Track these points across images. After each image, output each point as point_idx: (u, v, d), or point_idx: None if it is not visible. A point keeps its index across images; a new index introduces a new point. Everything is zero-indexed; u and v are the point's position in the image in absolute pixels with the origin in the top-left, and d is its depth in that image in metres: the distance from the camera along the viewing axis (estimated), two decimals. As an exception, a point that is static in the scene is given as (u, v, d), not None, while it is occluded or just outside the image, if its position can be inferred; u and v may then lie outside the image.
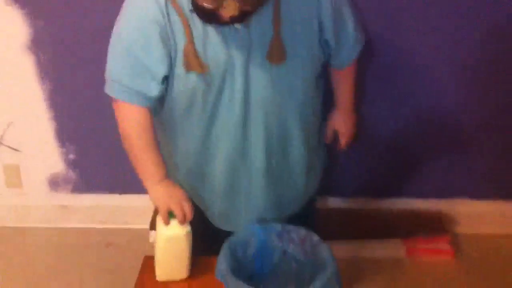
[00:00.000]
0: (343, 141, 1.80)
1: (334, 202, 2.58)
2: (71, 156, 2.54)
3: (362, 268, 2.45)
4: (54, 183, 2.62)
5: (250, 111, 1.48)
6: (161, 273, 1.57)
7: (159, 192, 1.54)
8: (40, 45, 2.29)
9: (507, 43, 2.24)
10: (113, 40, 1.46)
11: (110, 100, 1.54)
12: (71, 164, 2.56)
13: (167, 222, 1.50)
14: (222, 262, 1.36)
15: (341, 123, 1.79)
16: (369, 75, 2.23)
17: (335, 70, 1.73)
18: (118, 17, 1.45)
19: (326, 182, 1.79)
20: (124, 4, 1.45)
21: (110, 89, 1.50)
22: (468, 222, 2.68)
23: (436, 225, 2.62)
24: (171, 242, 1.52)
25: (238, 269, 1.37)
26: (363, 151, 2.34)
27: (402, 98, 2.39)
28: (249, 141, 1.53)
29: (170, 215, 1.51)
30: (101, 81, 1.55)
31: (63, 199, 2.65)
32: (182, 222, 1.50)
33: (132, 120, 1.52)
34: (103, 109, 2.32)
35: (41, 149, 2.52)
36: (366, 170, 2.57)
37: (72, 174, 2.59)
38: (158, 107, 1.55)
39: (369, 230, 2.58)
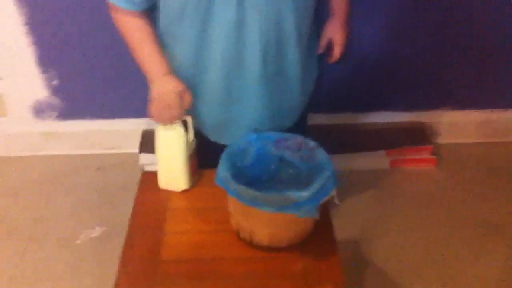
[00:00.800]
0: (336, 51, 1.80)
1: (319, 118, 2.63)
2: (55, 82, 2.51)
3: (348, 180, 2.51)
4: (39, 110, 2.60)
5: (245, 13, 1.46)
6: (163, 179, 1.61)
7: (166, 85, 1.53)
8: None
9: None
10: None
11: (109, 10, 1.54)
12: (55, 90, 2.54)
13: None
14: (222, 170, 1.39)
15: (336, 32, 1.78)
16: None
17: None
18: None
19: (316, 93, 1.81)
20: None
21: None
22: (449, 132, 2.76)
23: (419, 137, 2.69)
24: (170, 142, 1.54)
25: (238, 177, 1.41)
26: (346, 66, 2.36)
27: (386, 13, 2.40)
28: (245, 46, 1.51)
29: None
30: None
31: (49, 126, 2.65)
32: (187, 106, 1.53)
33: (128, 24, 1.52)
34: (86, 32, 2.35)
35: (23, 76, 2.48)
36: (350, 85, 2.60)
37: (56, 101, 2.57)
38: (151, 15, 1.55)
39: (355, 144, 2.64)
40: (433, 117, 2.73)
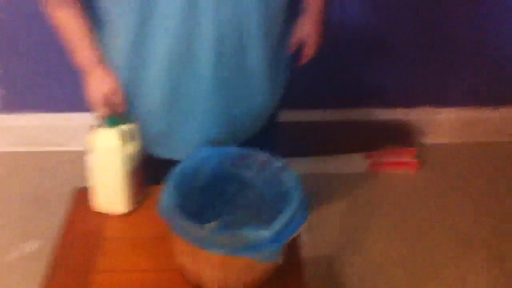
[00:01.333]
0: (307, 53, 1.54)
1: (295, 115, 2.36)
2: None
3: (324, 184, 2.30)
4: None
5: (197, 1, 1.18)
6: (98, 200, 1.33)
7: (96, 79, 1.34)
8: None
9: None
10: None
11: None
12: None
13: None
14: (165, 198, 1.12)
15: (308, 31, 1.51)
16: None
17: None
18: None
19: (286, 92, 1.54)
20: None
21: None
22: (433, 132, 2.53)
23: (401, 137, 2.46)
24: (106, 154, 1.27)
25: (186, 205, 1.13)
26: (326, 57, 2.11)
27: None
28: (195, 40, 1.23)
29: (110, 121, 1.27)
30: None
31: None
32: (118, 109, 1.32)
33: (60, 11, 1.30)
34: (31, 17, 2.09)
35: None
36: (329, 79, 2.36)
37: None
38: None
39: (333, 143, 2.42)
40: (417, 116, 2.48)
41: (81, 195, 1.38)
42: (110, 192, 1.31)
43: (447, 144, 2.54)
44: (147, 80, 1.31)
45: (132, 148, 1.30)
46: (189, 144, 1.37)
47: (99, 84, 1.33)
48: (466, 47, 2.33)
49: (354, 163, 2.37)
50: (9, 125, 2.39)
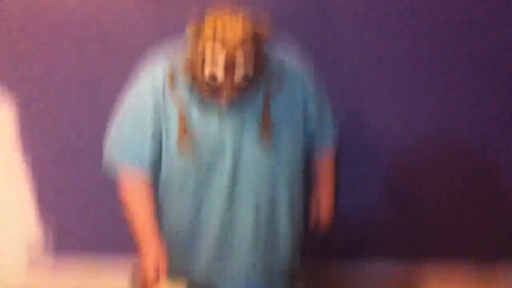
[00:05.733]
0: (323, 215, 1.86)
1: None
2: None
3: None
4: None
5: (238, 191, 1.59)
6: None
7: (150, 254, 1.60)
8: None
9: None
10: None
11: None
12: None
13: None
14: None
15: (322, 197, 1.85)
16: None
17: (317, 161, 1.83)
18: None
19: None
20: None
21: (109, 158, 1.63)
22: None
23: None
24: None
25: None
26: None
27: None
28: (237, 218, 1.63)
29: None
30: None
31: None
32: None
33: (131, 188, 1.62)
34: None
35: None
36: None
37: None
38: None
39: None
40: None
41: None
42: None
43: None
44: (199, 247, 1.68)
45: None
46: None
47: (154, 259, 1.59)
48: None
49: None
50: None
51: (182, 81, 1.53)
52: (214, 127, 1.55)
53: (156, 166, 1.61)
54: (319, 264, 2.62)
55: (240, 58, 1.38)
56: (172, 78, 1.54)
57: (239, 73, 1.39)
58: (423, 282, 2.66)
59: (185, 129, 1.53)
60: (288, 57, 1.65)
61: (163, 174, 1.62)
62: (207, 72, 1.39)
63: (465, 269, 2.65)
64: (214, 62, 1.38)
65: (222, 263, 1.70)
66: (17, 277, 2.57)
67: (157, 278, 1.56)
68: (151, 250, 1.59)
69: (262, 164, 1.58)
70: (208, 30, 1.38)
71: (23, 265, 2.57)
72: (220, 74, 1.39)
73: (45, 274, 2.61)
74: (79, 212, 2.52)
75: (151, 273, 1.56)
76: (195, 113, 1.54)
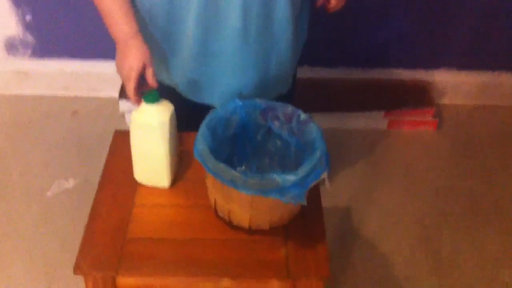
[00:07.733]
0: (333, 5, 1.58)
1: (316, 72, 2.43)
2: (28, 17, 2.30)
3: (343, 139, 2.37)
4: (12, 47, 2.40)
5: None
6: (139, 173, 1.37)
7: (130, 51, 1.30)
8: None
9: None
10: None
11: None
12: (29, 26, 2.33)
13: (134, 99, 1.29)
14: (200, 143, 1.22)
15: None
16: None
17: None
18: None
19: (306, 49, 1.61)
20: None
21: None
22: (452, 93, 2.59)
23: (420, 97, 2.52)
24: (145, 131, 1.29)
25: (218, 149, 1.24)
26: (346, 15, 2.16)
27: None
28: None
29: (146, 97, 1.27)
30: None
31: (22, 64, 2.45)
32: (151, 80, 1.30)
33: None
34: None
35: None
36: (347, 37, 2.41)
37: (30, 37, 2.36)
38: None
39: (350, 102, 2.47)
40: (437, 77, 2.54)
41: (120, 138, 1.46)
42: (152, 168, 1.34)
43: (465, 106, 2.60)
44: (180, 32, 1.39)
45: (171, 124, 1.31)
46: (222, 96, 1.46)
47: (133, 56, 1.29)
48: (490, 10, 2.36)
49: (374, 120, 2.45)
50: (42, 70, 2.46)
51: None
52: None
53: None
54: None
55: None
56: None
57: None
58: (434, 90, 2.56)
59: None
60: None
61: None
62: None
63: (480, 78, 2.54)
64: None
65: (205, 61, 1.42)
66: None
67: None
68: (132, 48, 1.29)
69: None
70: None
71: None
72: None
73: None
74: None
75: (131, 68, 1.28)
76: None
